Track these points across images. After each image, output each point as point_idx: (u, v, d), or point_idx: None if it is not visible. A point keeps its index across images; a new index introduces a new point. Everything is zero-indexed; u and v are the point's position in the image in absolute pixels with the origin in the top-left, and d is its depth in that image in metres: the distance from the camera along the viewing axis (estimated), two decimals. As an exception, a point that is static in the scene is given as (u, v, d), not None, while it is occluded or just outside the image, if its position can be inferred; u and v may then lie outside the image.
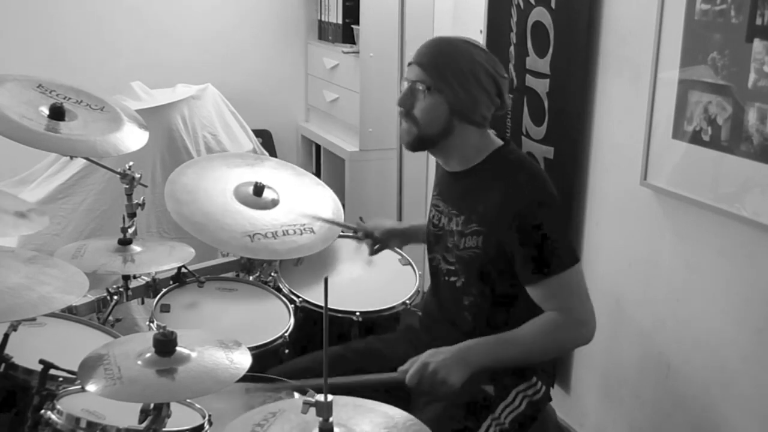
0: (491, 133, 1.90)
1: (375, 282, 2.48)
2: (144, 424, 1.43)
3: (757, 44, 1.75)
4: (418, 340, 1.98)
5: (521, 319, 1.80)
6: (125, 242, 2.28)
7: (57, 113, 2.16)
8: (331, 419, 1.26)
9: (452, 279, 1.90)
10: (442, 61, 1.79)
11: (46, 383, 1.65)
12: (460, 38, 1.86)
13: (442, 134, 1.81)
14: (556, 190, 2.49)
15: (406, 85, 1.84)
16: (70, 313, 2.15)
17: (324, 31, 4.17)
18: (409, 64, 1.86)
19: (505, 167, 1.82)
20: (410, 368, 1.71)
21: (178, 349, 1.46)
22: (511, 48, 2.66)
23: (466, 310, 1.87)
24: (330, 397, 1.25)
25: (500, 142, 1.88)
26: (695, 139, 1.95)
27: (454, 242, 1.86)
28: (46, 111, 2.16)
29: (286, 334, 2.16)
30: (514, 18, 2.63)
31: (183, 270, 2.38)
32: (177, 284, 2.36)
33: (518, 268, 1.78)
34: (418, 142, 1.85)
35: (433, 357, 1.71)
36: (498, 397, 1.81)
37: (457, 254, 1.86)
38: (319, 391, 1.25)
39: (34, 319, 1.89)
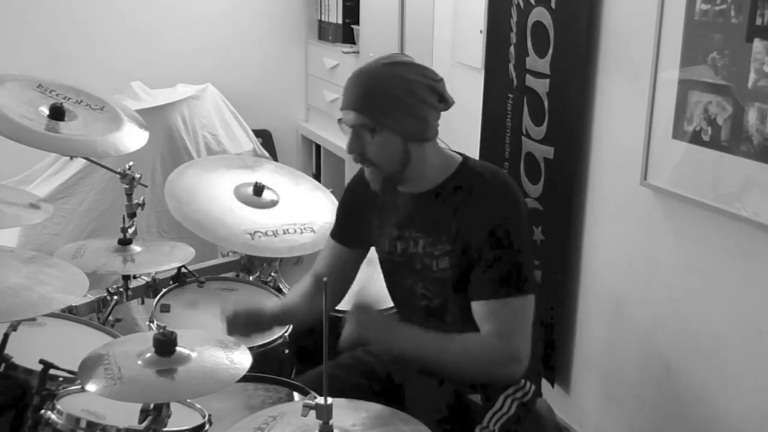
0: (443, 146, 1.80)
1: (375, 282, 2.47)
2: (144, 424, 1.43)
3: (757, 44, 1.75)
4: None
5: None
6: (125, 242, 2.29)
7: (57, 113, 2.16)
8: (331, 422, 1.26)
9: (424, 303, 1.81)
10: (377, 97, 1.67)
11: (46, 383, 1.65)
12: (382, 63, 1.72)
13: (403, 165, 1.72)
14: (556, 190, 2.50)
15: (346, 129, 1.72)
16: (70, 313, 2.16)
17: (324, 31, 4.18)
18: (342, 108, 1.73)
19: (477, 183, 1.74)
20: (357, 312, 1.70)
21: (178, 349, 1.46)
22: (511, 48, 2.66)
23: (448, 328, 1.78)
24: (330, 399, 1.25)
25: (459, 157, 1.80)
26: (695, 139, 1.95)
27: (425, 264, 1.78)
28: (46, 111, 2.16)
29: (286, 334, 2.16)
30: (514, 18, 2.63)
31: (183, 270, 2.38)
32: (177, 284, 2.37)
33: (475, 278, 1.70)
34: (388, 182, 1.75)
35: (368, 320, 1.69)
36: (485, 406, 1.78)
37: (432, 277, 1.78)
38: None
39: (34, 319, 1.89)
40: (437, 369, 1.72)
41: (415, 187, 1.79)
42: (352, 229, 1.96)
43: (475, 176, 1.76)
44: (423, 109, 1.70)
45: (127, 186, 2.33)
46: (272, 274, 2.52)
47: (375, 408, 1.39)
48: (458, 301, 1.77)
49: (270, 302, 2.13)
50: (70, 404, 1.62)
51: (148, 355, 1.45)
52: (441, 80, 1.74)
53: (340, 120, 1.75)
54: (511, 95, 2.68)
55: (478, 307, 1.70)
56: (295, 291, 2.03)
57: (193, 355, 1.47)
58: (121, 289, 2.36)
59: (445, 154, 1.80)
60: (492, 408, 1.78)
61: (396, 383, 1.90)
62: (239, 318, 1.89)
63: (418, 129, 1.70)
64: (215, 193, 2.51)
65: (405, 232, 1.81)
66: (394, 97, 1.67)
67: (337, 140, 3.96)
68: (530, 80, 2.57)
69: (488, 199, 1.71)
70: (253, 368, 1.50)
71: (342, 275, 1.99)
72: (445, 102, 1.75)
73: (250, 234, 2.39)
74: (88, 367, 1.45)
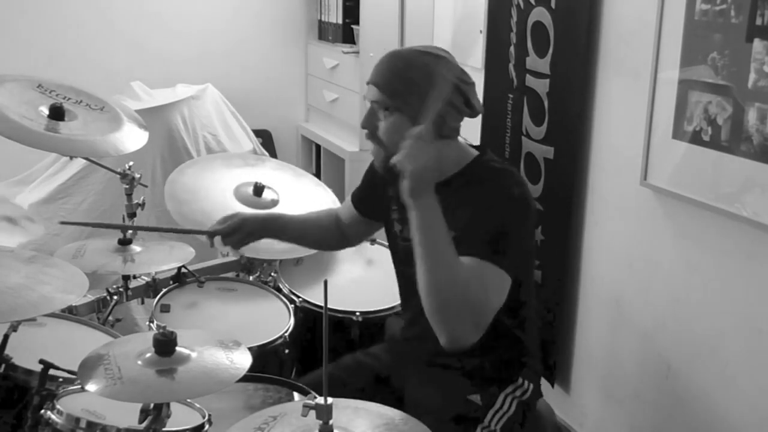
0: (463, 141, 1.81)
1: (375, 282, 2.48)
2: (144, 424, 1.43)
3: (757, 44, 1.75)
4: (403, 350, 1.94)
5: (505, 335, 1.77)
6: (125, 242, 2.29)
7: (57, 113, 2.16)
8: (331, 422, 1.26)
9: None
10: (397, 78, 1.69)
11: (46, 383, 1.65)
12: (416, 49, 1.75)
13: None
14: (556, 190, 2.50)
15: (367, 104, 1.77)
16: (70, 313, 2.16)
17: (324, 31, 4.17)
18: (368, 83, 1.77)
19: (487, 175, 1.74)
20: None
21: (178, 349, 1.46)
22: (511, 48, 2.66)
23: None
24: (330, 399, 1.25)
25: (475, 152, 1.80)
26: (695, 139, 1.95)
27: None
28: (46, 111, 2.16)
29: (286, 334, 2.16)
30: (514, 18, 2.63)
31: (183, 270, 2.38)
32: (177, 284, 2.37)
33: (461, 235, 1.62)
34: (391, 165, 1.72)
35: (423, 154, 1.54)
36: (486, 405, 1.78)
37: None
38: None
39: (34, 319, 1.89)
40: (428, 263, 1.58)
41: None
42: (368, 200, 2.02)
43: (484, 172, 1.75)
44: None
45: (127, 186, 2.33)
46: (272, 274, 2.52)
47: (376, 409, 1.39)
48: None
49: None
50: (70, 404, 1.62)
51: (148, 355, 1.45)
52: (472, 84, 1.74)
53: (365, 96, 1.79)
54: (511, 95, 2.68)
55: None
56: (302, 212, 2.15)
57: (193, 355, 1.47)
58: (121, 289, 2.36)
59: (461, 149, 1.79)
60: (493, 407, 1.79)
61: (397, 385, 1.91)
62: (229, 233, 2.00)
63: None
64: (215, 194, 2.52)
65: None
66: (413, 83, 1.68)
67: (337, 140, 3.96)
68: (530, 80, 2.57)
69: (495, 195, 1.69)
70: (253, 368, 1.50)
71: (351, 231, 2.11)
72: (471, 107, 1.74)
73: None
74: (88, 367, 1.45)
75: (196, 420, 1.61)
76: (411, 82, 1.68)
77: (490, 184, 1.71)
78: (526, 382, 1.84)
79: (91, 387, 1.40)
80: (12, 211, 2.17)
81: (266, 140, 4.27)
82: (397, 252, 1.93)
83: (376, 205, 1.98)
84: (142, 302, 2.50)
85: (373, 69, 1.76)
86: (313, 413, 1.26)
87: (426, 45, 1.80)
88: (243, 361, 1.49)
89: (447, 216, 1.71)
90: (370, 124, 1.76)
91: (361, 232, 2.15)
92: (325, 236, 2.14)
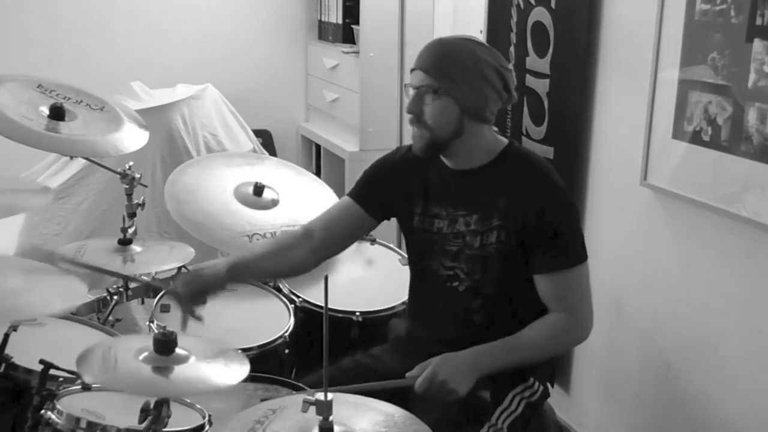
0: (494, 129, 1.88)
1: (375, 282, 2.48)
2: (144, 424, 1.43)
3: (757, 44, 1.75)
4: (408, 349, 1.93)
5: (531, 314, 1.80)
6: (125, 242, 2.29)
7: (57, 113, 2.16)
8: (331, 418, 1.26)
9: (454, 284, 1.84)
10: (446, 62, 1.76)
11: (46, 383, 1.65)
12: (459, 37, 1.84)
13: (454, 135, 1.78)
14: (556, 190, 2.51)
15: (411, 91, 1.81)
16: (70, 313, 2.16)
17: (324, 31, 4.17)
18: (412, 70, 1.82)
19: (524, 163, 1.83)
20: (419, 374, 1.68)
21: (177, 350, 1.45)
22: (511, 48, 2.66)
23: (475, 312, 1.83)
24: (330, 395, 1.25)
25: (506, 140, 1.87)
26: (695, 139, 1.95)
27: (466, 243, 1.81)
28: (46, 111, 2.16)
29: (286, 334, 2.16)
30: (514, 18, 2.63)
31: (183, 270, 2.38)
32: (177, 284, 2.36)
33: (535, 259, 1.78)
34: (432, 147, 1.81)
35: (444, 365, 1.68)
36: (494, 403, 1.79)
37: (470, 254, 1.81)
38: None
39: (34, 319, 1.89)
40: (520, 366, 1.81)
41: (461, 164, 1.85)
42: (378, 196, 1.96)
43: (521, 157, 1.85)
44: (485, 88, 1.77)
45: (127, 186, 2.33)
46: (272, 274, 2.52)
47: (375, 405, 1.39)
48: (495, 281, 1.81)
49: (218, 262, 1.96)
50: (70, 404, 1.62)
51: (147, 352, 1.45)
52: (510, 70, 1.83)
53: (406, 85, 1.83)
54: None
55: (543, 281, 1.79)
56: (266, 242, 2.07)
57: (192, 357, 1.46)
58: (121, 289, 2.36)
59: (494, 137, 1.87)
60: (501, 405, 1.79)
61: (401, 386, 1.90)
62: (184, 297, 1.85)
63: (476, 104, 1.77)
64: (215, 194, 2.51)
65: (445, 210, 1.86)
66: (462, 67, 1.75)
67: (337, 140, 3.95)
68: (530, 80, 2.57)
69: (537, 177, 1.80)
70: (253, 368, 1.49)
71: (346, 235, 2.00)
72: (509, 92, 1.83)
73: (248, 236, 2.40)
74: (88, 352, 1.45)
75: (196, 420, 1.61)
76: (460, 66, 1.75)
77: (532, 176, 1.80)
78: (536, 384, 1.85)
79: (85, 373, 1.39)
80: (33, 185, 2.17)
81: (266, 140, 4.26)
82: (412, 243, 1.95)
83: (385, 200, 1.95)
84: (142, 302, 2.50)
85: (418, 55, 1.82)
86: (313, 409, 1.26)
87: (465, 34, 1.87)
88: (240, 370, 1.47)
89: (489, 199, 1.80)
90: (417, 108, 1.79)
91: (358, 229, 2.01)
92: (298, 259, 1.95)
